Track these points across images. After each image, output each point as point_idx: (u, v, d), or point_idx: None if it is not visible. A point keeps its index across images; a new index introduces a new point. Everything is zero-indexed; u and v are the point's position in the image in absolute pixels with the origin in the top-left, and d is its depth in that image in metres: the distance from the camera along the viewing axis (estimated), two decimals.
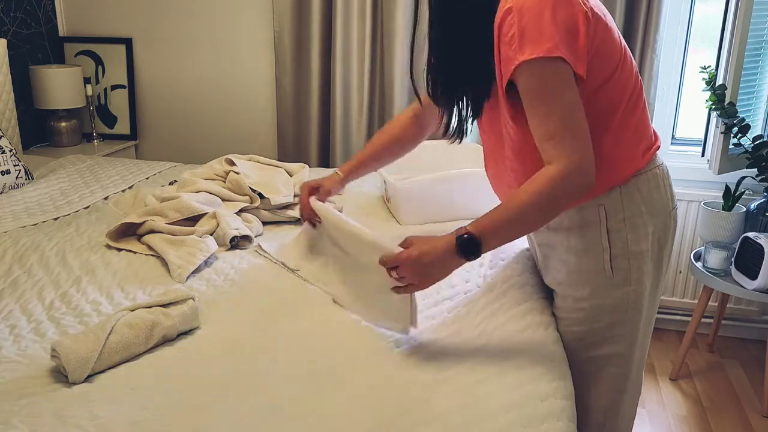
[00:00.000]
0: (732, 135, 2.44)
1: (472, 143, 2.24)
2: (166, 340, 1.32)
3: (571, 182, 1.14)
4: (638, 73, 1.30)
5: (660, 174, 1.34)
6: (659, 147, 1.35)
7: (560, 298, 1.41)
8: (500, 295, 1.47)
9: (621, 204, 1.29)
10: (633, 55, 2.48)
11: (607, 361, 1.40)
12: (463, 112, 1.33)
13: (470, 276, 1.58)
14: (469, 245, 1.18)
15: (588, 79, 1.18)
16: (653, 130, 1.36)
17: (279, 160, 2.70)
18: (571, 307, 1.38)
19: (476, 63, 1.24)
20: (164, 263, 1.68)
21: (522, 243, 1.68)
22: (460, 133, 1.38)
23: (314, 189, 1.64)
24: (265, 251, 1.73)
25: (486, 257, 1.68)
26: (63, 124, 3.00)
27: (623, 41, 1.27)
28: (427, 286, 1.24)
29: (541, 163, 1.18)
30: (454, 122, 1.35)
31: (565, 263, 1.36)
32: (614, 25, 1.24)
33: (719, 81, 2.45)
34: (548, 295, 1.47)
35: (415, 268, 1.20)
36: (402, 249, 1.24)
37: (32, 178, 2.41)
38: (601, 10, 1.21)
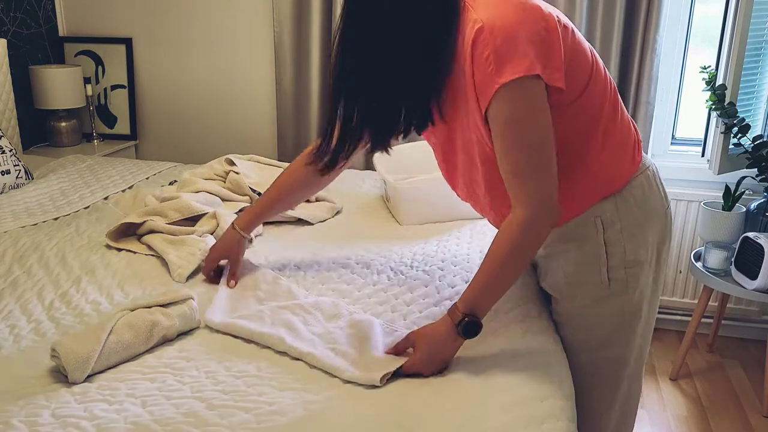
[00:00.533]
0: (732, 135, 2.44)
1: None
2: (166, 340, 1.32)
3: (540, 223, 1.15)
4: (608, 73, 1.27)
5: (651, 175, 1.32)
6: (641, 148, 1.33)
7: (559, 303, 1.40)
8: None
9: (617, 214, 1.27)
10: (633, 56, 2.53)
11: (605, 364, 1.39)
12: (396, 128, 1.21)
13: (470, 276, 1.58)
14: (470, 327, 1.19)
15: (566, 90, 1.15)
16: (635, 131, 1.33)
17: (279, 160, 2.71)
18: (570, 314, 1.37)
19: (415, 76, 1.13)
20: (164, 263, 1.68)
21: None
22: (334, 162, 1.32)
23: (217, 263, 1.56)
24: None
25: None
26: (63, 124, 3.00)
27: (588, 44, 1.25)
28: (439, 371, 1.21)
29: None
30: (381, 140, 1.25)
31: (564, 272, 1.35)
32: (578, 31, 1.22)
33: (719, 81, 2.45)
34: (546, 297, 1.47)
35: (430, 366, 1.19)
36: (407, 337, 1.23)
37: (32, 178, 2.41)
38: (565, 18, 1.20)
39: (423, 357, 1.18)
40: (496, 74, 1.08)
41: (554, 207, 1.16)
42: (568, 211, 1.27)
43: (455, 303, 1.21)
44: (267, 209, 1.58)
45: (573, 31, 1.18)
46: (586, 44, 1.22)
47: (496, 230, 1.26)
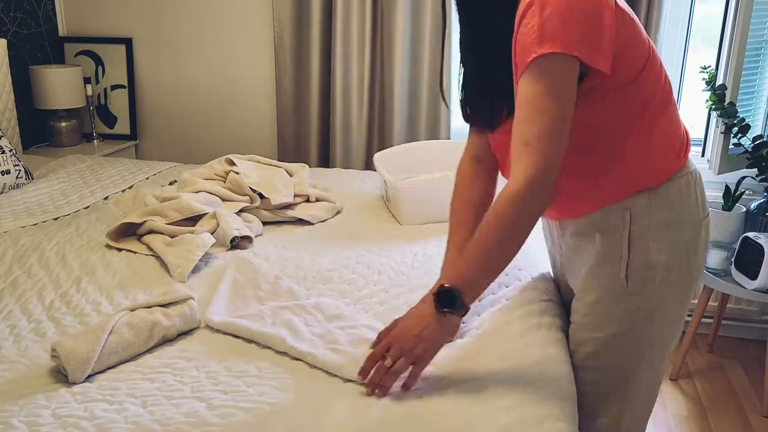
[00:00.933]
0: (732, 135, 2.44)
1: None
2: (166, 340, 1.32)
3: (534, 198, 1.10)
4: (666, 72, 1.25)
5: (692, 180, 1.26)
6: (690, 150, 1.28)
7: (577, 300, 1.34)
8: (502, 297, 1.47)
9: (648, 209, 1.22)
10: None
11: (611, 372, 1.31)
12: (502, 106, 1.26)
13: None
14: (446, 297, 1.14)
15: (614, 76, 1.13)
16: (685, 132, 1.29)
17: (279, 160, 2.71)
18: (582, 311, 1.32)
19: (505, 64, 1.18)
20: (164, 263, 1.68)
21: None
22: (491, 118, 1.28)
23: None
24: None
25: None
26: (63, 124, 3.00)
27: (649, 38, 1.22)
28: (431, 355, 1.16)
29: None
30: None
31: (588, 264, 1.30)
32: (639, 21, 1.20)
33: (719, 81, 2.45)
34: (552, 298, 1.46)
35: (407, 337, 1.14)
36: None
37: (32, 178, 2.41)
38: (625, 4, 1.17)
39: (401, 327, 1.17)
40: (537, 44, 1.07)
41: (549, 185, 1.11)
42: (600, 198, 1.24)
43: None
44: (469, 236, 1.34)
45: (633, 19, 1.16)
46: (645, 35, 1.20)
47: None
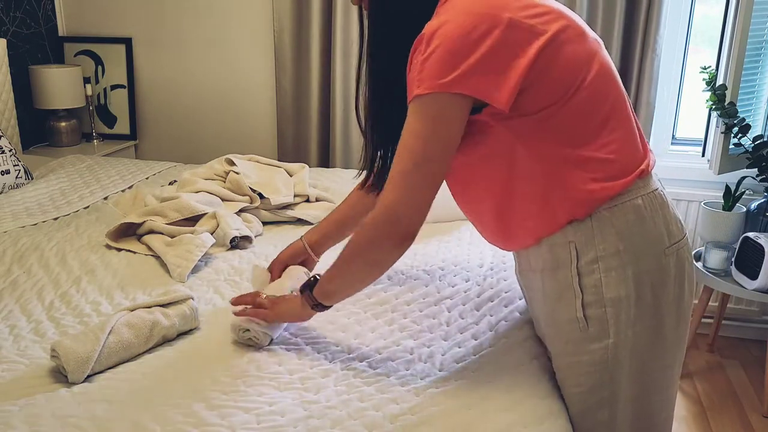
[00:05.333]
0: (732, 135, 2.44)
1: None
2: (166, 341, 1.32)
3: (383, 233, 1.09)
4: (618, 85, 1.13)
5: (645, 205, 1.12)
6: (644, 171, 1.13)
7: (548, 352, 1.25)
8: (495, 294, 1.47)
9: (593, 241, 1.10)
10: (633, 56, 2.52)
11: (610, 425, 1.18)
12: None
13: (470, 275, 1.58)
14: (307, 283, 1.26)
15: (522, 109, 1.05)
16: (642, 151, 1.15)
17: (279, 160, 2.71)
18: (554, 364, 1.22)
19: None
20: (164, 263, 1.68)
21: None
22: (381, 182, 1.21)
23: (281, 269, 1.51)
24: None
25: (486, 259, 1.68)
26: (63, 124, 3.00)
27: (595, 50, 1.11)
28: (275, 315, 1.28)
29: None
30: (377, 165, 1.26)
31: (543, 312, 1.21)
32: (580, 36, 1.08)
33: (719, 81, 2.45)
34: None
35: (273, 299, 1.30)
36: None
37: (32, 178, 2.41)
38: (558, 20, 1.06)
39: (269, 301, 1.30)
40: (417, 83, 1.04)
41: (409, 225, 1.08)
42: (537, 226, 1.14)
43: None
44: (333, 228, 1.51)
45: (565, 39, 1.06)
46: (587, 54, 1.09)
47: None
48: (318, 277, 1.24)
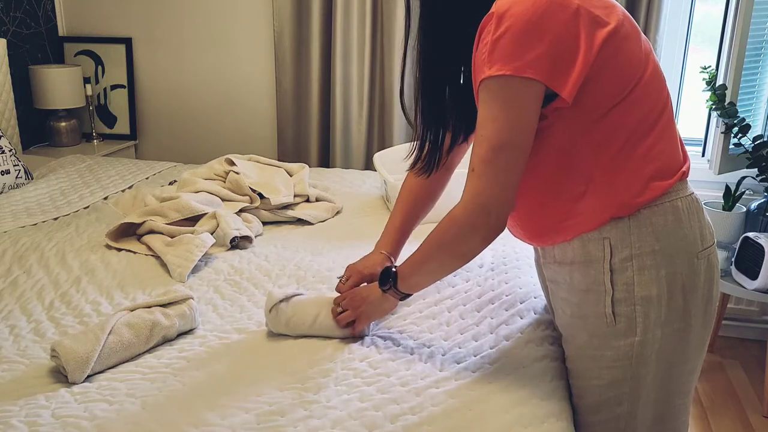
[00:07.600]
0: (732, 135, 2.43)
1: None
2: (166, 341, 1.32)
3: (474, 227, 1.08)
4: (666, 86, 1.14)
5: (683, 207, 1.12)
6: (685, 173, 1.14)
7: (565, 343, 1.25)
8: (496, 297, 1.47)
9: (629, 239, 1.11)
10: None
11: (605, 428, 1.20)
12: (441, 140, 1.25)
13: (471, 275, 1.58)
14: (386, 275, 1.26)
15: (584, 101, 1.05)
16: (681, 154, 1.16)
17: (279, 160, 2.70)
18: (573, 358, 1.22)
19: (463, 82, 1.13)
20: (164, 263, 1.68)
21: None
22: (431, 165, 1.27)
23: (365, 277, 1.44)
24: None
25: (486, 259, 1.68)
26: (63, 124, 3.00)
27: (649, 50, 1.12)
28: (368, 317, 1.31)
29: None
30: (426, 149, 1.27)
31: (568, 304, 1.20)
32: (636, 34, 1.09)
33: (719, 81, 2.45)
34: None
35: (355, 299, 1.31)
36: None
37: (32, 178, 2.41)
38: (617, 14, 1.06)
39: (357, 290, 1.34)
40: (487, 63, 1.02)
41: (498, 216, 1.07)
42: (576, 225, 1.14)
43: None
44: (406, 227, 1.48)
45: (625, 34, 1.06)
46: (641, 53, 1.09)
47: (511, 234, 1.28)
48: (394, 268, 1.25)
